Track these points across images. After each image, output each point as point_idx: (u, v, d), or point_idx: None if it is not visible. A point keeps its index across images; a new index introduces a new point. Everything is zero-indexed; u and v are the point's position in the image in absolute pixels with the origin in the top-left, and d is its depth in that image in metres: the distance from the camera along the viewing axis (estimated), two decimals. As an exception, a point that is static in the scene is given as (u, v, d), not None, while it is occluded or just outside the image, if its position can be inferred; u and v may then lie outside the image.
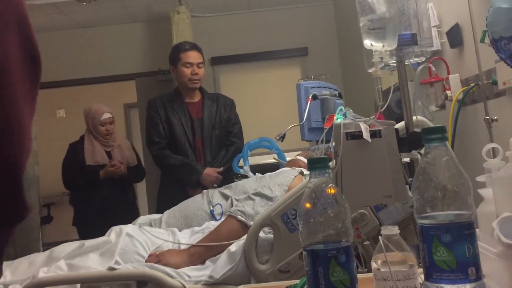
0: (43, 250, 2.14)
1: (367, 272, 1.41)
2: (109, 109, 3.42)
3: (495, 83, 1.88)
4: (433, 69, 2.25)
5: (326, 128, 1.58)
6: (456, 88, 2.16)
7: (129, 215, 2.82)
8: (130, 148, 3.55)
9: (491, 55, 1.75)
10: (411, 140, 1.43)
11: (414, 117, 1.56)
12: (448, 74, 2.22)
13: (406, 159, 1.53)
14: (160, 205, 2.79)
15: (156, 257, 1.87)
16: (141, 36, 5.07)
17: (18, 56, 0.46)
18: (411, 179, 1.54)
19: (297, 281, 1.03)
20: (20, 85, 0.46)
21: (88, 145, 3.37)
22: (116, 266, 1.79)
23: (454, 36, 2.21)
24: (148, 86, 4.88)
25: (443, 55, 2.35)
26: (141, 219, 2.27)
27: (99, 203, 3.29)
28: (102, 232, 2.07)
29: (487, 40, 1.71)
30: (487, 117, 1.90)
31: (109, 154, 3.40)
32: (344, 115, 1.45)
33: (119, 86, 5.76)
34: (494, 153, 1.23)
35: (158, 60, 4.73)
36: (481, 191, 0.98)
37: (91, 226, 2.93)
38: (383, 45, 1.38)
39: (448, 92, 2.18)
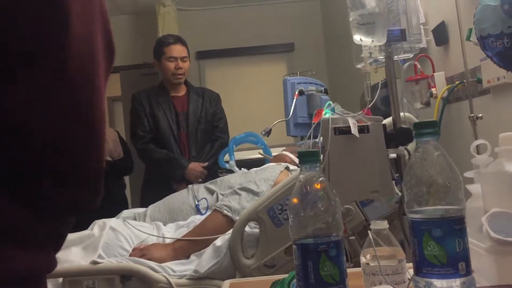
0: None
1: (353, 267, 1.41)
2: None
3: (479, 81, 1.90)
4: (419, 66, 2.26)
5: (314, 123, 1.58)
6: (441, 85, 2.18)
7: (115, 208, 2.79)
8: (116, 140, 3.50)
9: (476, 53, 1.77)
10: (399, 136, 1.44)
11: (401, 114, 1.57)
12: (434, 71, 2.24)
13: (393, 155, 1.54)
14: (145, 199, 2.77)
15: (140, 251, 1.85)
16: (126, 29, 5.00)
17: (101, 48, 0.49)
18: (397, 174, 1.55)
19: (285, 276, 1.02)
20: (102, 77, 0.49)
21: None
22: (99, 260, 1.77)
23: (440, 34, 2.23)
24: (132, 79, 4.83)
25: (428, 52, 2.36)
26: (125, 213, 2.24)
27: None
28: (83, 226, 2.03)
29: (473, 38, 1.72)
30: (472, 115, 1.92)
31: None
32: (332, 110, 1.45)
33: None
34: (479, 150, 1.24)
35: (143, 53, 4.67)
36: (469, 187, 0.98)
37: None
38: (372, 40, 1.38)
39: (433, 89, 2.19)
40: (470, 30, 1.77)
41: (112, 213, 2.22)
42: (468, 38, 1.81)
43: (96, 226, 1.99)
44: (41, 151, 0.44)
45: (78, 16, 0.45)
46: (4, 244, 0.43)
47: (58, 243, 0.50)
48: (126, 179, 3.77)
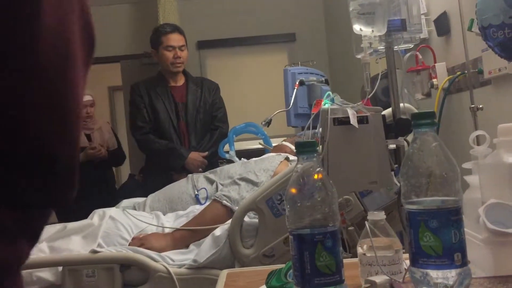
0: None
1: (351, 257, 1.41)
2: (89, 92, 3.39)
3: (481, 72, 1.89)
4: (420, 57, 2.25)
5: (313, 113, 1.58)
6: (442, 76, 2.17)
7: (109, 199, 2.80)
8: (110, 131, 3.53)
9: (478, 44, 1.76)
10: (398, 126, 1.44)
11: (401, 104, 1.56)
12: (435, 62, 2.23)
13: (392, 146, 1.54)
14: (144, 189, 2.77)
15: (140, 241, 1.86)
16: (126, 18, 4.97)
17: (79, 41, 0.48)
18: (396, 165, 1.55)
19: (282, 266, 1.02)
20: (80, 69, 0.48)
21: None
22: (98, 249, 1.77)
23: (442, 24, 2.21)
24: (133, 69, 4.80)
25: (430, 43, 2.35)
26: (125, 202, 2.25)
27: (79, 186, 3.27)
28: (81, 215, 2.04)
29: (474, 29, 1.71)
30: (473, 106, 1.91)
31: (88, 137, 3.38)
32: (332, 101, 1.44)
33: (103, 69, 5.66)
34: (479, 141, 1.23)
35: (144, 42, 4.63)
36: (467, 178, 0.98)
37: (69, 209, 2.91)
38: (373, 30, 1.37)
39: (434, 80, 2.19)
40: (472, 20, 1.76)
41: (112, 203, 2.23)
42: (469, 29, 1.79)
43: (96, 216, 2.00)
44: (12, 144, 0.44)
45: (50, 7, 0.44)
46: None
47: (32, 236, 0.49)
48: (126, 169, 3.78)
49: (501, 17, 1.33)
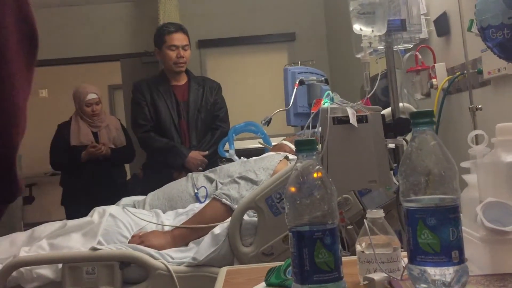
0: (24, 231, 2.12)
1: (350, 255, 1.42)
2: (95, 90, 3.42)
3: (480, 72, 1.90)
4: (420, 57, 2.26)
5: (313, 112, 1.58)
6: (442, 76, 2.18)
7: (115, 197, 2.81)
8: (119, 128, 3.54)
9: (477, 44, 1.77)
10: (397, 126, 1.44)
11: (400, 104, 1.57)
12: (435, 62, 2.24)
13: (391, 145, 1.55)
14: (145, 187, 2.78)
15: (139, 238, 1.87)
16: (127, 16, 4.98)
17: (15, 34, 0.46)
18: (395, 164, 1.56)
19: (281, 263, 1.03)
20: (16, 64, 0.46)
21: (74, 125, 3.39)
22: (98, 247, 1.78)
23: (442, 25, 2.22)
24: (133, 67, 4.82)
25: (430, 43, 2.36)
26: (125, 200, 2.26)
27: (84, 184, 3.30)
28: (87, 213, 2.05)
29: (474, 29, 1.72)
30: (472, 106, 1.92)
31: (96, 135, 3.39)
32: (332, 100, 1.45)
33: (103, 67, 5.67)
34: (478, 140, 1.24)
35: (144, 41, 4.66)
36: (465, 177, 0.99)
37: (77, 206, 2.93)
38: (373, 30, 1.38)
39: (433, 80, 2.19)
40: (472, 21, 1.76)
41: (114, 201, 2.24)
42: (469, 29, 1.80)
43: (96, 213, 2.00)
44: None
45: None
46: None
47: None
48: (126, 167, 3.79)
49: (500, 18, 1.33)
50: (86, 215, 2.04)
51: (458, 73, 2.07)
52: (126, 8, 4.98)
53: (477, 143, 1.01)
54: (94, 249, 1.77)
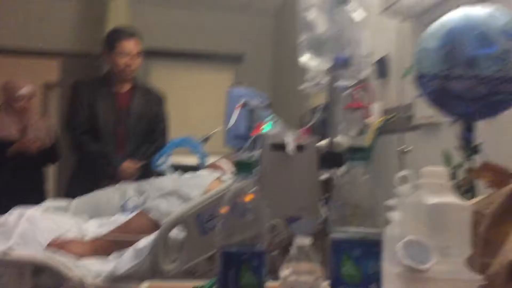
0: None
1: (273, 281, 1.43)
2: (28, 85, 3.27)
3: (411, 117, 2.01)
4: (357, 95, 2.36)
5: (251, 136, 1.60)
6: (377, 116, 2.28)
7: (33, 200, 2.67)
8: (48, 127, 3.40)
9: (413, 90, 1.87)
10: (331, 159, 1.49)
11: (336, 138, 1.62)
12: (371, 102, 2.34)
13: (324, 176, 1.59)
14: (70, 192, 2.66)
15: (57, 245, 1.78)
16: (71, 14, 4.79)
17: None
18: (325, 196, 1.60)
19: (205, 282, 1.02)
20: None
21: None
22: (10, 251, 1.67)
23: (381, 67, 2.34)
24: (72, 67, 4.64)
25: (369, 83, 2.47)
26: (47, 203, 2.15)
27: (5, 182, 3.11)
28: (4, 213, 1.92)
29: (410, 77, 1.83)
30: (401, 148, 2.03)
31: (22, 131, 3.23)
32: (273, 125, 1.47)
33: (39, 63, 5.39)
34: (403, 181, 1.30)
35: (87, 42, 4.51)
36: (390, 214, 1.03)
37: None
38: (318, 64, 1.42)
39: (368, 119, 2.29)
40: (408, 69, 1.87)
41: (36, 203, 2.11)
42: (405, 76, 1.91)
43: (13, 214, 1.89)
44: None
45: None
46: None
47: None
48: (53, 169, 3.63)
49: (434, 69, 1.43)
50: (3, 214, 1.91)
51: (392, 115, 2.18)
52: (71, 6, 4.78)
53: (402, 184, 1.06)
54: (5, 252, 1.66)
